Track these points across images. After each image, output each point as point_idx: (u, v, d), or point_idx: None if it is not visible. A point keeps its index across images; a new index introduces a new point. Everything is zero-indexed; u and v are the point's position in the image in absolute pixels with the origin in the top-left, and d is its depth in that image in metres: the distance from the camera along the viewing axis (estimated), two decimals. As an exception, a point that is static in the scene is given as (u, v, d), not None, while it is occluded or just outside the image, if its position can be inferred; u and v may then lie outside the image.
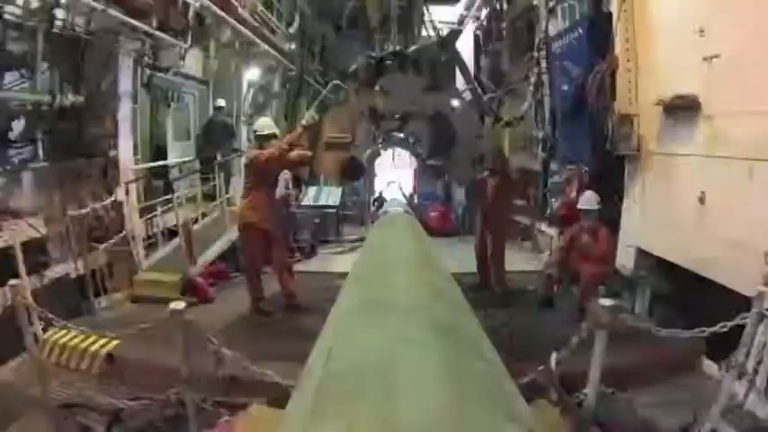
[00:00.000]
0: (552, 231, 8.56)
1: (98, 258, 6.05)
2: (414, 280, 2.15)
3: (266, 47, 11.00)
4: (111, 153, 6.49)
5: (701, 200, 4.77)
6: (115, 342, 4.67)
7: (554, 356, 3.64)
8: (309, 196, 11.42)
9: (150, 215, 7.34)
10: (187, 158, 9.69)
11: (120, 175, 6.60)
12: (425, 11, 7.57)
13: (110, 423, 3.61)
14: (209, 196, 9.29)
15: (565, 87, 7.65)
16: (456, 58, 8.70)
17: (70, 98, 5.88)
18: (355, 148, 5.87)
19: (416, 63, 5.69)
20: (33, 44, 5.45)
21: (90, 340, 4.78)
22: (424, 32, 7.75)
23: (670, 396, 4.06)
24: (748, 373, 3.37)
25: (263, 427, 2.79)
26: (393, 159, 18.72)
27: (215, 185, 9.04)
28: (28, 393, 3.91)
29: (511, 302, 6.42)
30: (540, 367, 3.66)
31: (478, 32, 13.76)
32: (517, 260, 8.42)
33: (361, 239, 9.29)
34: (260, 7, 10.67)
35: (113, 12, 5.94)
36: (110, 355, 4.61)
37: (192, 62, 9.79)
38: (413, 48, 6.23)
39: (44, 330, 4.68)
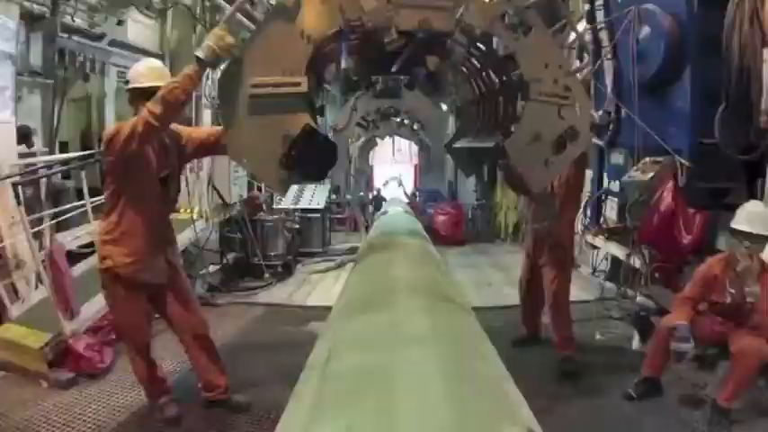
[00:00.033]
0: (617, 250, 6.14)
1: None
2: (414, 279, 2.11)
3: (240, 16, 8.75)
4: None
5: None
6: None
7: None
8: (288, 197, 9.01)
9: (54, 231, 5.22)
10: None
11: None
12: None
13: None
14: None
15: (646, 44, 5.22)
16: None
17: None
18: (336, 134, 3.77)
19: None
20: None
21: None
22: None
23: None
24: None
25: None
26: (393, 154, 17.20)
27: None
28: None
29: (584, 385, 4.07)
30: None
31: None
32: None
33: (354, 251, 7.57)
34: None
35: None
36: None
37: (145, 32, 8.28)
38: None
39: None
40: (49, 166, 5.61)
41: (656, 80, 5.18)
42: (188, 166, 5.01)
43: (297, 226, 8.44)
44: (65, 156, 6.39)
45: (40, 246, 4.73)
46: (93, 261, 4.22)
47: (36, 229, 4.76)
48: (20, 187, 4.89)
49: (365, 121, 4.39)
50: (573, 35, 3.58)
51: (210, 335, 3.54)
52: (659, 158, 5.15)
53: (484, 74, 3.13)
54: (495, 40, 2.80)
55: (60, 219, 5.35)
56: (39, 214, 5.10)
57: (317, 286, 7.14)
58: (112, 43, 7.47)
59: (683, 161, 4.87)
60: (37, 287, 4.79)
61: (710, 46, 4.45)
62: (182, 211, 6.07)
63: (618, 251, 6.01)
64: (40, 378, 3.88)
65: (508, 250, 9.63)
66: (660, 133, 5.08)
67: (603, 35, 6.24)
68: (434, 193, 13.28)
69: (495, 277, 7.55)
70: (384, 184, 10.50)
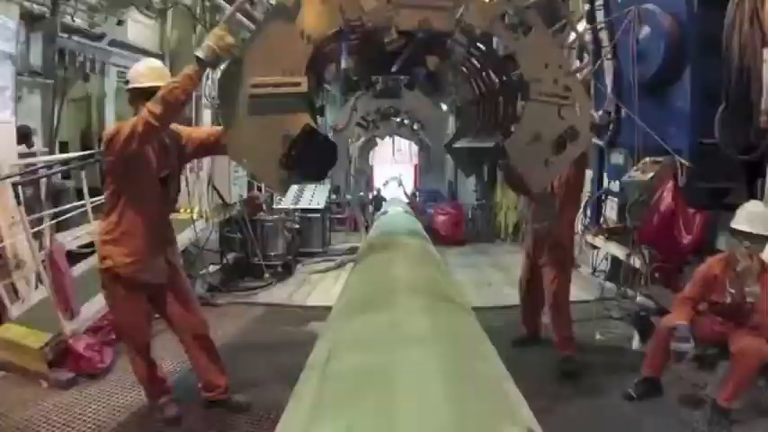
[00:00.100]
0: (617, 250, 6.14)
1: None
2: (414, 279, 2.11)
3: (240, 16, 8.78)
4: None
5: None
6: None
7: None
8: (288, 197, 9.01)
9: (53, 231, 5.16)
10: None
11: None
12: None
13: None
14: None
15: (646, 44, 5.22)
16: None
17: None
18: (336, 134, 3.80)
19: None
20: None
21: None
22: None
23: None
24: None
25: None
26: (393, 154, 17.16)
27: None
28: None
29: (584, 385, 4.07)
30: None
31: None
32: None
33: (354, 252, 7.52)
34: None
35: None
36: None
37: (145, 32, 8.27)
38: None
39: None
40: (48, 166, 5.60)
41: (656, 80, 5.17)
42: (188, 166, 4.99)
43: (297, 226, 8.44)
44: (64, 156, 6.38)
45: (40, 246, 4.71)
46: (93, 261, 4.20)
47: (36, 229, 4.73)
48: (20, 187, 4.88)
49: (365, 121, 4.37)
50: (573, 35, 3.57)
51: (210, 335, 3.54)
52: (659, 158, 5.14)
53: (484, 74, 3.13)
54: (495, 40, 2.79)
55: (60, 219, 5.33)
56: (39, 214, 5.08)
57: (317, 286, 7.13)
58: (112, 43, 7.44)
59: (683, 161, 4.87)
60: (37, 287, 4.77)
61: (710, 46, 4.44)
62: (182, 211, 6.06)
63: (618, 251, 6.00)
64: (41, 378, 3.87)
65: (508, 250, 9.62)
66: (660, 133, 5.07)
67: (603, 35, 6.23)
68: (434, 193, 13.25)
69: (496, 277, 7.55)
70: (384, 184, 10.47)
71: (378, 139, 5.87)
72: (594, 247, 7.06)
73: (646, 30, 5.22)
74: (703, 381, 3.84)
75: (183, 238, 5.76)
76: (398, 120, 4.24)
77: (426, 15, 2.47)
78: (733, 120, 4.35)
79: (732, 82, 4.30)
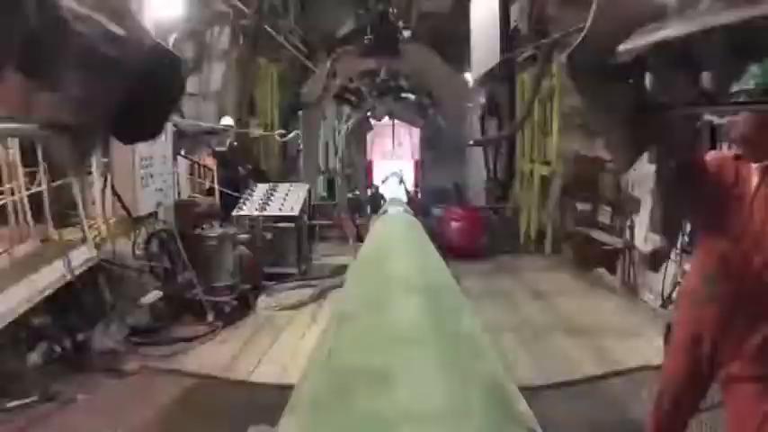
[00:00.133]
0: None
1: None
2: (414, 280, 2.08)
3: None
4: None
5: None
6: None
7: None
8: (254, 201, 6.76)
9: None
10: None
11: None
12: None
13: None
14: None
15: None
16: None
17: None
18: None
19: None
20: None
21: None
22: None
23: None
24: None
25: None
26: (392, 146, 16.06)
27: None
28: None
29: None
30: None
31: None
32: (608, 314, 5.37)
33: (341, 271, 6.03)
34: None
35: None
36: None
37: None
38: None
39: None
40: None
41: None
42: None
43: (268, 237, 6.20)
44: None
45: None
46: None
47: None
48: None
49: (348, 91, 2.43)
50: None
51: None
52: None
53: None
54: None
55: None
56: None
57: (283, 334, 4.96)
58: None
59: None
60: None
61: None
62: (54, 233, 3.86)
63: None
64: None
65: (538, 266, 7.52)
66: None
67: None
68: (440, 192, 11.72)
69: (538, 315, 5.36)
70: (383, 182, 9.90)
71: (372, 122, 3.99)
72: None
73: None
74: None
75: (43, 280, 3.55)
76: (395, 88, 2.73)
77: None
78: None
79: None
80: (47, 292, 3.98)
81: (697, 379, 2.31)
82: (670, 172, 2.32)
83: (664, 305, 5.42)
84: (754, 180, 2.17)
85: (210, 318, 5.05)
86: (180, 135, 6.59)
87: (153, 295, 5.06)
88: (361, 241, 5.37)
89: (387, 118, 11.24)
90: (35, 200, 4.49)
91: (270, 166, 10.17)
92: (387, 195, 8.97)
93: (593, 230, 7.52)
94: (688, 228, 4.75)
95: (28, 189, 4.42)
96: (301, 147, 7.91)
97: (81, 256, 4.43)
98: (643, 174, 6.33)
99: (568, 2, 7.45)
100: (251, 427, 1.96)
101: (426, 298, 1.82)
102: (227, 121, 7.97)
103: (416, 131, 15.06)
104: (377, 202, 8.99)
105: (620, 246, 6.60)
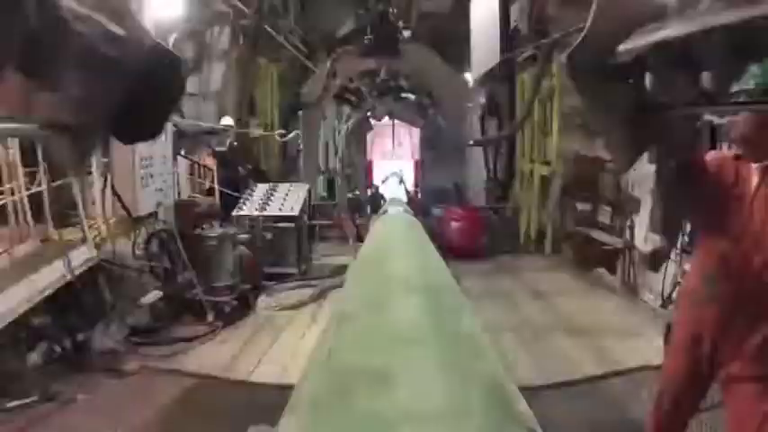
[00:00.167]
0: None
1: None
2: (414, 280, 2.08)
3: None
4: None
5: None
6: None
7: None
8: (254, 201, 6.76)
9: None
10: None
11: None
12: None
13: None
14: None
15: None
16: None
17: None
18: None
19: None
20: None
21: None
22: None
23: None
24: None
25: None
26: (392, 146, 16.01)
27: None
28: None
29: None
30: None
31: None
32: (608, 314, 5.29)
33: (341, 272, 5.97)
34: None
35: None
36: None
37: None
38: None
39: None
40: None
41: None
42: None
43: (268, 237, 6.20)
44: None
45: None
46: None
47: None
48: None
49: (348, 91, 2.42)
50: None
51: None
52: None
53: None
54: None
55: None
56: None
57: (283, 334, 4.95)
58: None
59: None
60: None
61: None
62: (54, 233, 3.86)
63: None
64: None
65: (537, 265, 7.53)
66: None
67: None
68: (440, 192, 11.77)
69: (538, 315, 5.36)
70: (383, 182, 9.84)
71: (372, 122, 3.98)
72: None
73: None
74: None
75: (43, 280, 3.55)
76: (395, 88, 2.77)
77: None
78: None
79: None
80: (47, 292, 3.98)
81: (697, 379, 2.31)
82: (670, 172, 2.32)
83: (664, 305, 5.41)
84: (754, 180, 2.17)
85: (210, 318, 5.05)
86: (180, 135, 6.59)
87: (153, 295, 5.06)
88: (361, 241, 5.34)
89: (387, 118, 11.23)
90: (35, 200, 4.49)
91: (270, 167, 10.16)
92: (387, 195, 8.89)
93: (594, 230, 7.53)
94: (688, 228, 4.74)
95: (28, 189, 4.42)
96: (301, 147, 7.88)
97: (81, 257, 4.43)
98: (643, 174, 6.29)
99: (568, 2, 7.44)
100: (251, 427, 1.98)
101: (426, 298, 1.81)
102: (227, 121, 7.96)
103: (416, 131, 15.09)
104: (377, 202, 8.93)
105: (621, 246, 6.60)
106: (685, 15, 1.28)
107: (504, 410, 1.14)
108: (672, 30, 1.29)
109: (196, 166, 8.41)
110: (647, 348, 4.18)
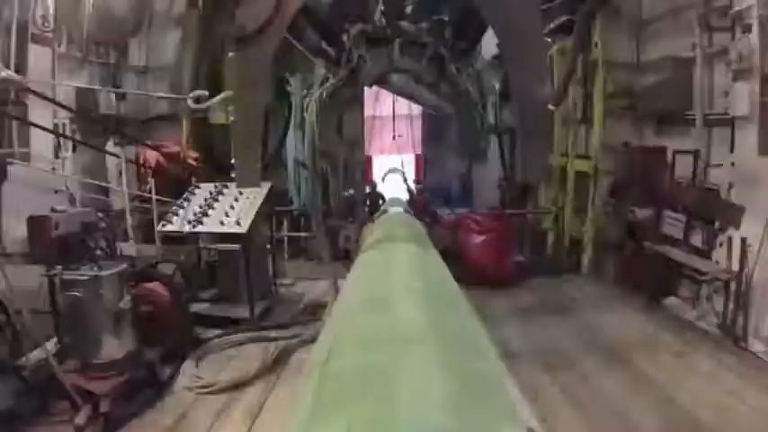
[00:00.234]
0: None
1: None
2: (414, 280, 2.04)
3: None
4: None
5: None
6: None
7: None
8: (189, 210, 4.70)
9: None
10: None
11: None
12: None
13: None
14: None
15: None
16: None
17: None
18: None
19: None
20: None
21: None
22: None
23: None
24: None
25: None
26: (393, 137, 15.56)
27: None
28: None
29: None
30: None
31: None
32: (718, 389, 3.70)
33: (317, 312, 4.67)
34: None
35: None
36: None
37: None
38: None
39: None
40: None
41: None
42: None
43: (213, 258, 4.15)
44: None
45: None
46: None
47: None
48: None
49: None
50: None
51: None
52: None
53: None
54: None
55: None
56: None
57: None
58: None
59: None
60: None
61: None
62: None
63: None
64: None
65: (589, 294, 5.65)
66: None
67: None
68: (446, 191, 10.75)
69: (623, 400, 3.33)
70: (383, 179, 8.91)
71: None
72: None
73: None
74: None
75: None
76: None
77: None
78: None
79: None
80: None
81: None
82: None
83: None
84: None
85: (82, 419, 2.97)
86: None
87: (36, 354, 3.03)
88: (347, 257, 4.70)
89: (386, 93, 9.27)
90: None
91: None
92: (386, 195, 8.07)
93: (667, 247, 5.53)
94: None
95: None
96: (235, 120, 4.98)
97: None
98: (750, 170, 4.71)
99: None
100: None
101: (426, 298, 1.77)
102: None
103: (417, 122, 13.68)
104: (374, 203, 7.49)
105: (723, 276, 4.57)
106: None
107: (504, 410, 1.10)
108: None
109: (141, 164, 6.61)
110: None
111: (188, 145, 7.79)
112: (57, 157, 6.52)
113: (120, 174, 6.50)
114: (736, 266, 4.86)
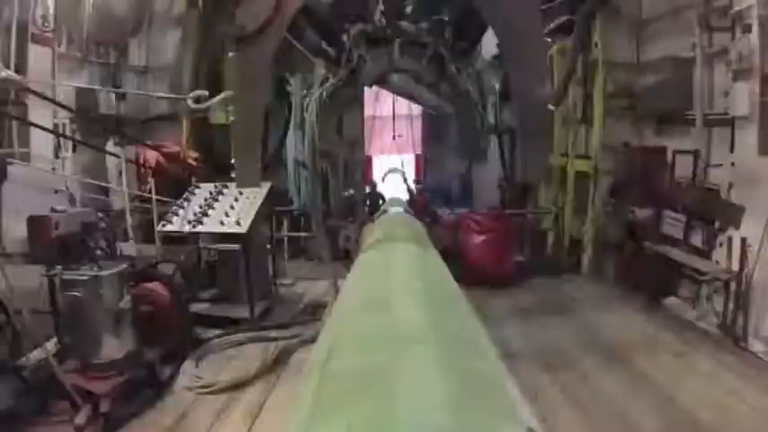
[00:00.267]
0: None
1: None
2: (414, 280, 2.05)
3: None
4: None
5: None
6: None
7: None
8: (189, 210, 4.70)
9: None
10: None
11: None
12: None
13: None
14: None
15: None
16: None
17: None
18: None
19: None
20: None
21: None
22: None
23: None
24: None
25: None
26: (393, 137, 15.50)
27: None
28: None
29: None
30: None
31: None
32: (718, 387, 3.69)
33: (317, 312, 4.60)
34: None
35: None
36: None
37: None
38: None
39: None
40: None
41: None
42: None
43: (212, 258, 4.17)
44: None
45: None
46: None
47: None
48: None
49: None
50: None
51: None
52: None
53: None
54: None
55: None
56: None
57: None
58: None
59: None
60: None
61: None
62: None
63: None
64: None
65: (589, 295, 5.65)
66: None
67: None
68: (446, 191, 10.69)
69: (623, 400, 3.35)
70: (383, 179, 8.93)
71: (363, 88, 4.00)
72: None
73: None
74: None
75: None
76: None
77: None
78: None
79: None
80: None
81: None
82: None
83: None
84: None
85: (82, 419, 2.99)
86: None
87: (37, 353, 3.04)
88: (347, 258, 4.65)
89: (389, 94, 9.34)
90: None
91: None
92: (386, 195, 8.10)
93: (667, 247, 5.53)
94: None
95: None
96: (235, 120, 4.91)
97: None
98: (750, 170, 4.41)
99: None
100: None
101: (426, 298, 1.77)
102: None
103: (417, 121, 13.64)
104: (374, 203, 7.50)
105: (723, 276, 4.56)
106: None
107: (504, 410, 1.10)
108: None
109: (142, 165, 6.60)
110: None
111: (188, 145, 7.81)
112: (57, 157, 6.55)
113: (120, 174, 6.55)
114: (736, 266, 4.88)
